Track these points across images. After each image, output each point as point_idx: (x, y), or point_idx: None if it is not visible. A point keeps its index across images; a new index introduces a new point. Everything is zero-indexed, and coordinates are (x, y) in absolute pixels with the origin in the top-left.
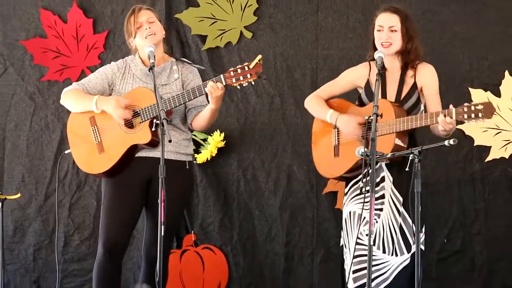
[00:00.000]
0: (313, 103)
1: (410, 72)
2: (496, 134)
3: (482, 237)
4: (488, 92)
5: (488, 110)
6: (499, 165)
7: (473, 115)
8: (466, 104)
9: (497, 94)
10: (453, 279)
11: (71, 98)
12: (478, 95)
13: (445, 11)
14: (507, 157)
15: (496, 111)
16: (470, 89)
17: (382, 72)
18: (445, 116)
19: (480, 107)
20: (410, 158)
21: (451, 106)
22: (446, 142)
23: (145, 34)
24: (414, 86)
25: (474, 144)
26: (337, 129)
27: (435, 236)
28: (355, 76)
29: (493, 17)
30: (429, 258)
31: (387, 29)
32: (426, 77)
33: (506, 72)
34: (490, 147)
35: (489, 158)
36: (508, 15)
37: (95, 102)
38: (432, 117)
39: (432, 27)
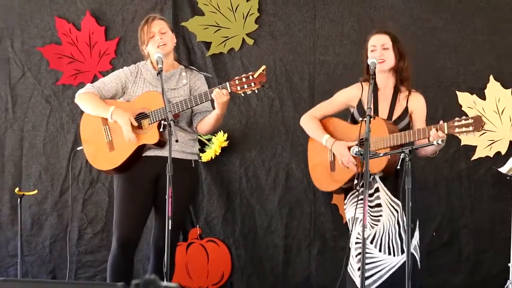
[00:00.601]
0: (309, 124)
1: (402, 95)
2: (481, 134)
3: (468, 231)
4: (474, 95)
5: (478, 124)
6: (484, 164)
7: (464, 129)
8: (457, 118)
9: (482, 97)
10: (442, 269)
11: (87, 101)
12: (465, 98)
13: (434, 19)
14: (491, 156)
15: (482, 113)
16: (457, 92)
17: (374, 85)
18: (437, 130)
19: (470, 121)
20: (401, 157)
21: (441, 122)
22: (435, 142)
23: (157, 44)
24: (406, 109)
25: (461, 144)
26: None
27: (425, 229)
28: (348, 97)
29: (478, 26)
30: (419, 250)
31: (379, 48)
32: (419, 105)
33: (491, 77)
34: (476, 146)
35: (475, 157)
36: (492, 24)
37: (111, 113)
38: (425, 132)
39: (422, 34)
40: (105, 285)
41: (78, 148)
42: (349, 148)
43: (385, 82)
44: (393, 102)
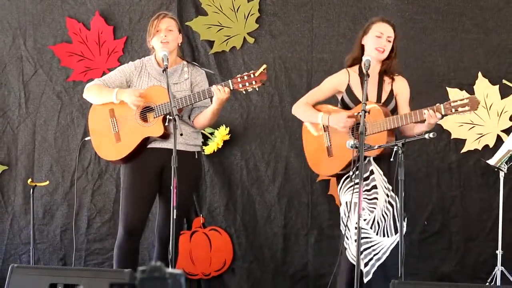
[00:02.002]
0: (302, 109)
1: (387, 79)
2: (470, 128)
3: (459, 220)
4: (464, 91)
5: (474, 103)
6: (473, 156)
7: (460, 109)
8: (452, 99)
9: (471, 93)
10: (433, 256)
11: (94, 92)
12: (455, 94)
13: (426, 19)
14: (480, 148)
15: None
16: (447, 88)
17: (366, 74)
18: (434, 111)
19: (466, 101)
20: (394, 149)
21: (438, 104)
22: (426, 136)
23: (160, 39)
24: (392, 92)
25: (451, 137)
26: (328, 132)
27: (417, 218)
28: (336, 82)
29: (467, 25)
30: (412, 238)
31: (385, 38)
32: (403, 88)
33: (479, 73)
34: (465, 140)
35: (464, 150)
36: (480, 23)
37: (115, 94)
38: (421, 114)
39: (414, 33)
40: (113, 271)
41: (86, 138)
42: (348, 117)
43: (372, 67)
44: (380, 87)
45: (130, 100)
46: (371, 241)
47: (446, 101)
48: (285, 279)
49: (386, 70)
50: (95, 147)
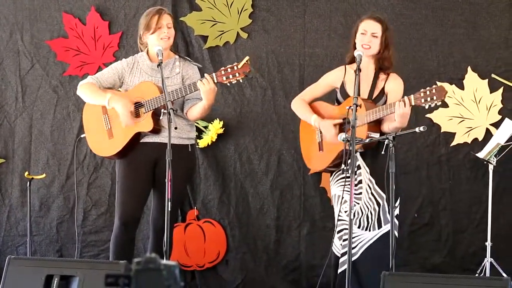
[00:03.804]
0: (299, 107)
1: (381, 76)
2: (460, 122)
3: (448, 212)
4: (453, 85)
5: (440, 93)
6: (462, 149)
7: (428, 99)
8: (422, 90)
9: (461, 87)
10: (423, 248)
11: (87, 91)
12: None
13: (416, 15)
14: (469, 142)
15: (460, 102)
16: (438, 82)
17: (357, 69)
18: (404, 103)
19: (433, 91)
20: (385, 143)
21: (408, 96)
22: (417, 129)
23: (162, 36)
24: (383, 90)
25: (441, 131)
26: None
27: (407, 211)
28: (332, 78)
29: (456, 20)
30: (402, 230)
31: (369, 34)
32: (395, 86)
33: (469, 68)
34: (455, 133)
35: (453, 143)
36: (469, 18)
37: (108, 101)
38: (392, 107)
39: (404, 28)
40: (108, 263)
41: (82, 136)
42: (334, 125)
43: (367, 65)
44: (373, 84)
45: (124, 120)
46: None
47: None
48: (278, 270)
49: (381, 67)
50: (89, 144)
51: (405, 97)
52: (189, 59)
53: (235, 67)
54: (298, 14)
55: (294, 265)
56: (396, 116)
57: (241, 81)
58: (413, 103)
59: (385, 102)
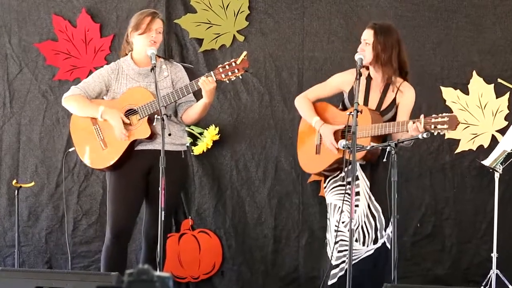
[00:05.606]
0: (302, 105)
1: (392, 87)
2: (464, 128)
3: (452, 222)
4: (458, 90)
5: (453, 122)
6: (467, 157)
7: (439, 126)
8: (434, 115)
9: (466, 92)
10: (426, 259)
11: (75, 103)
12: (449, 93)
13: (418, 17)
14: (474, 149)
15: (465, 107)
16: (441, 87)
17: (365, 78)
18: (417, 126)
19: (446, 119)
20: (387, 150)
21: (422, 116)
22: (420, 136)
23: (149, 39)
24: (394, 101)
25: (445, 137)
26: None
27: (410, 220)
28: (342, 81)
29: (461, 23)
30: (404, 240)
31: (363, 42)
32: (406, 98)
33: (474, 72)
34: (459, 140)
35: (458, 150)
36: (474, 21)
37: (101, 113)
38: (403, 125)
39: (407, 32)
40: (99, 274)
41: (70, 150)
42: (335, 131)
43: (377, 74)
44: (383, 93)
45: (119, 133)
46: (346, 245)
47: (428, 116)
48: (276, 281)
49: (390, 76)
50: (82, 158)
51: (417, 122)
52: (174, 60)
53: (234, 63)
54: (297, 16)
55: (293, 276)
56: (409, 135)
57: (240, 77)
58: (422, 126)
59: (394, 114)
